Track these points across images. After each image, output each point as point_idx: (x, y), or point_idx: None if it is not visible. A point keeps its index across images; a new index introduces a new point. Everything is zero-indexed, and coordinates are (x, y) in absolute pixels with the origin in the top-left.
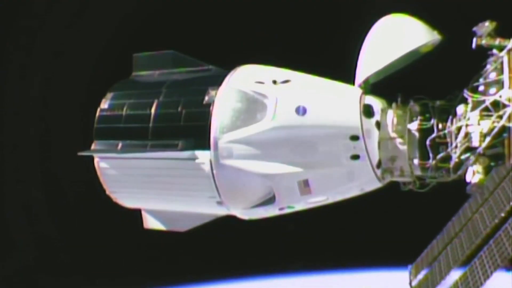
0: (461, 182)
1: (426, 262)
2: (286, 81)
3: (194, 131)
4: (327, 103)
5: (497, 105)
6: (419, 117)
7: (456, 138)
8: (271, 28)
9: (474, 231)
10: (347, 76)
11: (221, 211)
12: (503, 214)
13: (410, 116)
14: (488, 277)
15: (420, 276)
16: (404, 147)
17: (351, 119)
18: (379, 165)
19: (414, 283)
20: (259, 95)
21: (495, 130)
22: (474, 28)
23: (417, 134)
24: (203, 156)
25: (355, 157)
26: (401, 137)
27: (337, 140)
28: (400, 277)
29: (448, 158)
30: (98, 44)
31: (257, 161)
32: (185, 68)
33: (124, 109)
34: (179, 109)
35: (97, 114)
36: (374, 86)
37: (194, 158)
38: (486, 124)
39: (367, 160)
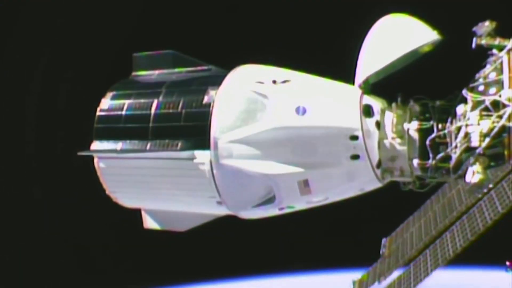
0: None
1: (400, 235)
2: (286, 81)
3: (194, 131)
4: (327, 103)
5: (497, 105)
6: (419, 117)
7: (456, 138)
8: (271, 28)
9: (449, 206)
10: (347, 76)
11: (221, 211)
12: (479, 195)
13: (410, 116)
14: (457, 249)
15: (394, 246)
16: (404, 147)
17: (351, 119)
18: (379, 165)
19: (386, 253)
20: (259, 95)
21: (495, 130)
22: (474, 28)
23: (417, 134)
24: (203, 156)
25: (355, 157)
26: (401, 137)
27: (337, 140)
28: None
29: (448, 158)
30: (98, 44)
31: (257, 161)
32: (185, 68)
33: (124, 109)
34: (179, 109)
35: (97, 114)
36: (374, 86)
37: (194, 158)
38: (485, 124)
39: (367, 160)
